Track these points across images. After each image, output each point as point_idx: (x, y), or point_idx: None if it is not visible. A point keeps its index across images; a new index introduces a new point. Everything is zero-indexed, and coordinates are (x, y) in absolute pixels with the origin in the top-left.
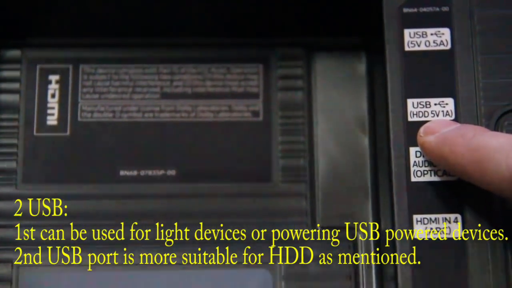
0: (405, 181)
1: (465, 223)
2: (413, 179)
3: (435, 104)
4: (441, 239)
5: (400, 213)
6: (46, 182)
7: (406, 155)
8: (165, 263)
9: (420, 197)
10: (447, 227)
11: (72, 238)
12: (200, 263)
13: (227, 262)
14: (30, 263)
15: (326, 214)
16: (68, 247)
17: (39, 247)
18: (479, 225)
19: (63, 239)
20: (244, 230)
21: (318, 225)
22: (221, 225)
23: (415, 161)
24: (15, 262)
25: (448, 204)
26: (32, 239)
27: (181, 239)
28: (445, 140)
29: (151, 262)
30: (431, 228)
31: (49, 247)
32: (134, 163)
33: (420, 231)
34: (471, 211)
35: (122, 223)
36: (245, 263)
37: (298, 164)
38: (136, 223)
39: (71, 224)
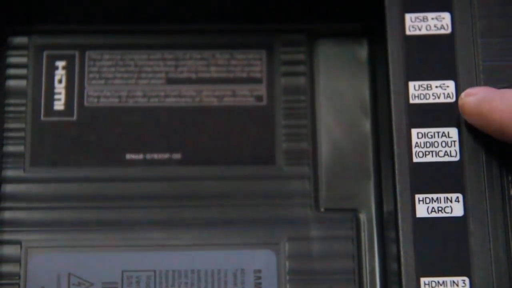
0: (407, 162)
1: (466, 202)
2: (415, 159)
3: (436, 87)
4: (443, 218)
5: (402, 193)
6: (53, 165)
7: (408, 136)
8: (171, 244)
9: (422, 177)
10: (448, 206)
11: (79, 220)
12: (205, 243)
13: (232, 243)
14: (38, 244)
15: (329, 195)
16: (75, 229)
17: (47, 229)
18: (480, 204)
19: (70, 221)
20: (249, 212)
21: (322, 206)
22: (226, 207)
23: (416, 142)
24: (24, 244)
25: (450, 184)
26: (40, 221)
27: (187, 220)
28: (485, 99)
29: (157, 244)
30: (433, 208)
31: (57, 229)
32: (140, 147)
33: (422, 211)
34: (472, 191)
35: (129, 206)
36: (249, 244)
37: (301, 147)
38: (142, 205)
39: (78, 206)
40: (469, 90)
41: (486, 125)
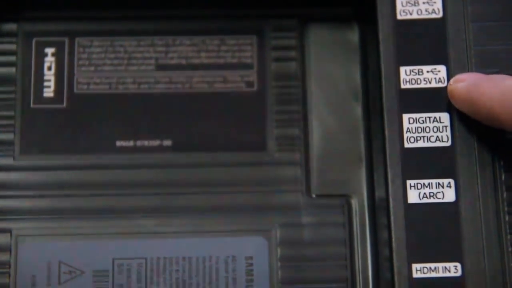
0: (398, 147)
1: (458, 187)
2: (406, 145)
3: (428, 72)
4: (434, 203)
5: (393, 179)
6: (43, 153)
7: (399, 122)
8: (162, 231)
9: (414, 163)
10: (440, 192)
11: (69, 208)
12: (196, 231)
13: (223, 230)
14: (29, 233)
15: (321, 181)
16: (66, 217)
17: (38, 217)
18: (472, 189)
19: (61, 209)
20: (240, 199)
21: (313, 192)
22: (217, 193)
23: (408, 128)
24: (14, 232)
25: (441, 169)
26: (31, 209)
27: (178, 208)
28: (475, 85)
29: (148, 231)
30: (425, 193)
31: (47, 217)
32: (131, 134)
33: (414, 197)
34: (464, 176)
35: (119, 193)
36: (241, 230)
37: (292, 133)
38: (133, 192)
39: (69, 194)
40: (458, 76)
41: (476, 111)
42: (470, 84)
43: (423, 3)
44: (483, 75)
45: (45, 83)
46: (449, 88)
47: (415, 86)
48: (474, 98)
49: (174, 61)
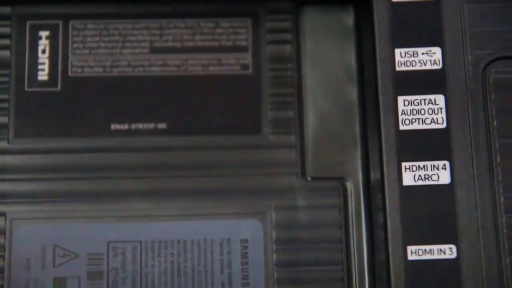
0: (393, 129)
1: (453, 169)
2: (401, 127)
3: (423, 54)
4: (429, 186)
5: (388, 161)
6: (38, 136)
7: (394, 104)
8: (157, 214)
9: (409, 145)
10: (435, 174)
11: (64, 192)
12: (191, 214)
13: (218, 213)
14: (23, 216)
15: (316, 164)
16: (60, 200)
17: (32, 201)
18: (467, 171)
19: (55, 192)
20: (235, 182)
21: (308, 175)
22: (212, 176)
23: (403, 110)
24: (9, 216)
25: (437, 151)
26: (25, 192)
27: (172, 191)
28: None
29: (143, 214)
30: (420, 175)
31: (42, 201)
32: (125, 117)
33: (409, 179)
34: (459, 158)
35: (114, 176)
36: (236, 213)
37: (287, 115)
38: (127, 175)
39: (63, 177)
40: None
41: None
42: None
43: None
44: None
45: (39, 66)
46: None
47: (410, 68)
48: None
49: (168, 44)
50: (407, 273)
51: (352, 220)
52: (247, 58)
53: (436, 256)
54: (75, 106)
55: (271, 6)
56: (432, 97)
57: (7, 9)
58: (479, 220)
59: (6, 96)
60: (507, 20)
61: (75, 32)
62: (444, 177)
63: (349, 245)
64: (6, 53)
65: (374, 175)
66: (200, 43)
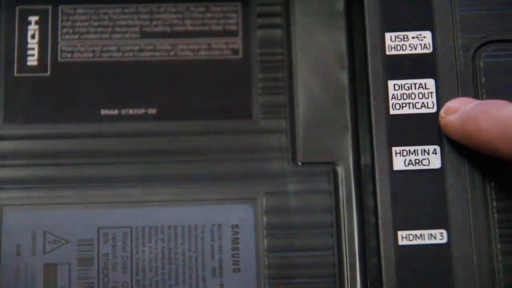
0: (384, 114)
1: (443, 154)
2: (391, 112)
3: (413, 38)
4: (420, 170)
5: (379, 146)
6: (28, 122)
7: (385, 88)
8: (147, 200)
9: (399, 129)
10: (426, 159)
11: (54, 177)
12: (182, 199)
13: (209, 198)
14: (13, 202)
15: (307, 149)
16: (50, 186)
17: (22, 187)
18: (458, 156)
19: (45, 178)
20: (225, 167)
21: (299, 160)
22: (202, 162)
23: (393, 94)
24: None
25: (427, 136)
26: (15, 178)
27: (163, 176)
28: (469, 118)
29: (133, 200)
30: (410, 160)
31: (32, 186)
32: (115, 102)
33: (399, 163)
34: (449, 142)
35: (104, 162)
36: (226, 199)
37: (278, 100)
38: (117, 161)
39: (53, 163)
40: (448, 105)
41: (475, 145)
42: (463, 118)
43: None
44: (474, 101)
45: (29, 52)
46: (441, 121)
47: (401, 52)
48: (472, 134)
49: (158, 29)
50: (397, 258)
51: (343, 205)
52: (238, 43)
53: (426, 241)
54: (64, 92)
55: None
56: (422, 81)
57: None
58: (470, 204)
59: None
60: (497, 3)
61: (65, 17)
62: (435, 162)
63: (340, 230)
64: None
65: (364, 159)
66: (190, 28)
